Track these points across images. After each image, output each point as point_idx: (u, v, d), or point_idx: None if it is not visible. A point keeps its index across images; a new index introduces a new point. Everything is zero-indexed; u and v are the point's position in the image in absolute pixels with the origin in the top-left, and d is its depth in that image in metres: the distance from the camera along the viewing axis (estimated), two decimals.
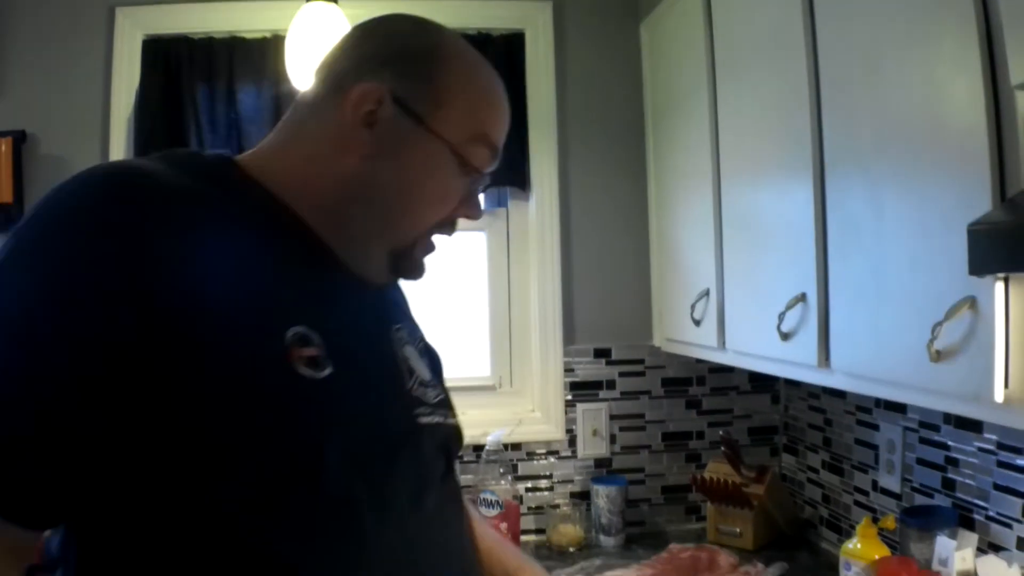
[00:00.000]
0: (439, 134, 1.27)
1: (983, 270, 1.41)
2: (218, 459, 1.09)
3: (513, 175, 3.11)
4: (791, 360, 2.18)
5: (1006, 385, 1.51)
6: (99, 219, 1.08)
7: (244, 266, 1.17)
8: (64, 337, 1.04)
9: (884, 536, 2.41)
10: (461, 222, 1.36)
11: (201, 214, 1.16)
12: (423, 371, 1.41)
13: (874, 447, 2.76)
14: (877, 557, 2.27)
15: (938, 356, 1.60)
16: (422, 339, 1.50)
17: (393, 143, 1.26)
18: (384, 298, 1.43)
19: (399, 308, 1.50)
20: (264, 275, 1.20)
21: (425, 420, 1.34)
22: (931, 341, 1.60)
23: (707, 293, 2.61)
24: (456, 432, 1.44)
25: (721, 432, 3.12)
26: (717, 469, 3.07)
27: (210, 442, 1.09)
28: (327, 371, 1.18)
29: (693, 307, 2.67)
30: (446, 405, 1.44)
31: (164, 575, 1.11)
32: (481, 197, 1.39)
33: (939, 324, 1.57)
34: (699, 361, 3.15)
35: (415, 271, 1.34)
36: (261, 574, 1.13)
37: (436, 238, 1.35)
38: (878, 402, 2.72)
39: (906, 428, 2.59)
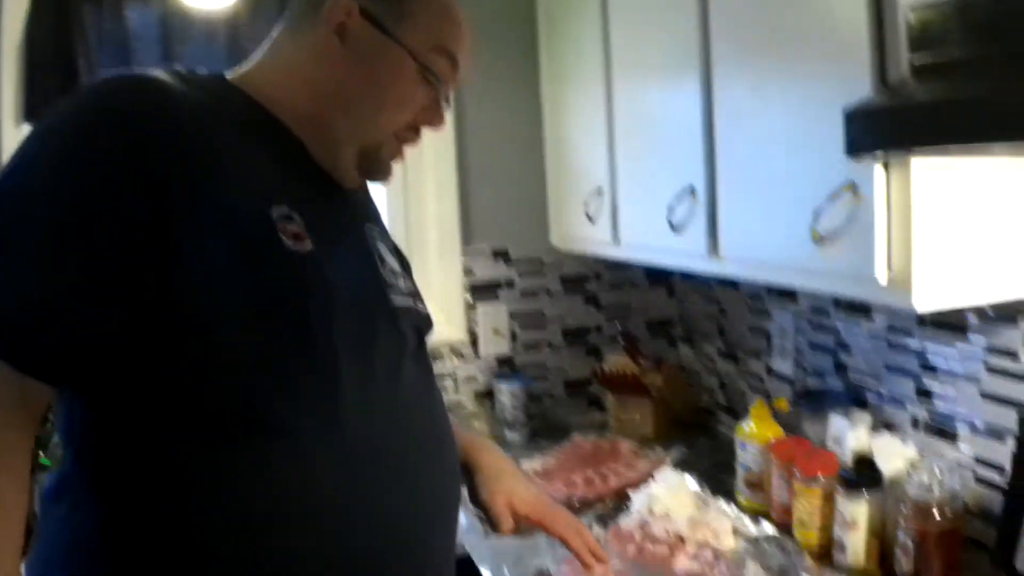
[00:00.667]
0: (403, 43, 1.40)
1: (859, 151, 1.46)
2: (217, 320, 1.21)
3: None
4: (682, 251, 2.24)
5: (889, 267, 1.58)
6: (116, 114, 1.21)
7: (237, 157, 1.30)
8: (93, 215, 1.16)
9: (780, 419, 2.50)
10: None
11: (200, 114, 1.28)
12: (394, 263, 1.55)
13: (767, 334, 2.85)
14: (771, 437, 2.35)
15: (821, 240, 1.66)
16: (392, 243, 1.64)
17: (362, 52, 1.40)
18: (358, 201, 1.57)
19: (371, 212, 1.64)
20: (253, 165, 1.32)
21: (398, 303, 1.48)
22: (814, 225, 1.66)
23: (600, 191, 2.65)
24: (427, 318, 1.59)
25: (618, 324, 3.19)
26: (616, 362, 3.14)
27: (210, 304, 1.21)
28: (309, 247, 1.30)
29: (587, 205, 2.71)
30: (417, 296, 1.58)
31: (161, 434, 1.23)
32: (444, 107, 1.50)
33: (821, 208, 1.63)
34: (596, 258, 3.22)
35: (382, 172, 1.48)
36: (253, 430, 1.25)
37: (403, 145, 1.48)
38: (769, 291, 2.80)
39: (797, 314, 2.68)
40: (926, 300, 1.55)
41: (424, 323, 1.58)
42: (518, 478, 1.80)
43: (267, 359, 1.24)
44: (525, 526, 1.76)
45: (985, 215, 1.59)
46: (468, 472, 1.75)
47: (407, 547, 1.39)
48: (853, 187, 1.59)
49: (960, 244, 1.57)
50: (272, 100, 1.40)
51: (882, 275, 1.57)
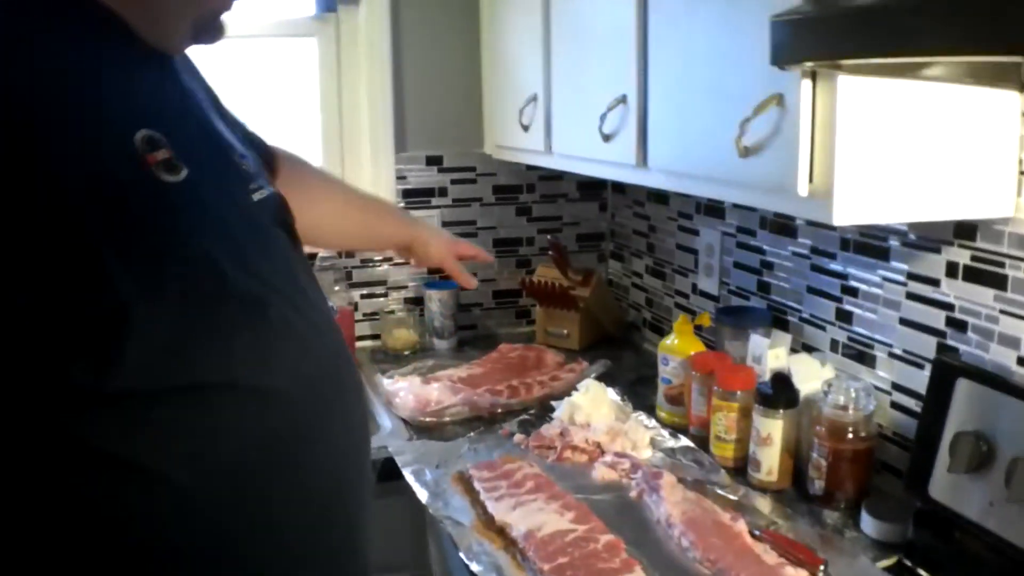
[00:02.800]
0: None
1: (784, 60, 1.46)
2: (119, 280, 1.05)
3: None
4: (612, 161, 2.24)
5: (810, 179, 1.59)
6: None
7: (76, 76, 1.12)
8: None
9: (702, 336, 2.53)
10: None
11: (26, 30, 1.10)
12: (234, 141, 1.39)
13: (694, 252, 2.87)
14: (692, 352, 2.38)
15: (746, 152, 1.67)
16: (209, 90, 1.47)
17: None
18: (175, 70, 1.34)
19: (187, 67, 1.42)
20: (96, 82, 1.14)
21: (258, 196, 1.34)
22: (739, 137, 1.66)
23: (535, 98, 2.63)
24: (283, 200, 1.43)
25: (549, 237, 3.19)
26: (545, 273, 3.15)
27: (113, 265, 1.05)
28: (183, 173, 1.15)
29: (521, 113, 2.70)
30: (263, 172, 1.43)
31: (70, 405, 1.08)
32: None
33: (747, 120, 1.64)
34: (529, 168, 3.20)
35: (217, 33, 1.30)
36: (203, 391, 1.14)
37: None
38: (699, 207, 2.82)
39: (724, 233, 2.69)
40: (845, 214, 1.55)
41: (284, 208, 1.41)
42: (422, 223, 2.27)
43: (185, 317, 1.11)
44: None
45: (910, 134, 1.59)
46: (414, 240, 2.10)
47: (345, 480, 1.34)
48: (780, 99, 1.59)
49: (883, 161, 1.57)
50: None
51: (803, 188, 1.58)
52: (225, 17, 1.30)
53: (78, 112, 1.09)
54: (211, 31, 1.30)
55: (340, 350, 1.38)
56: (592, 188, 3.38)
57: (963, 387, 1.70)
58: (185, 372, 1.12)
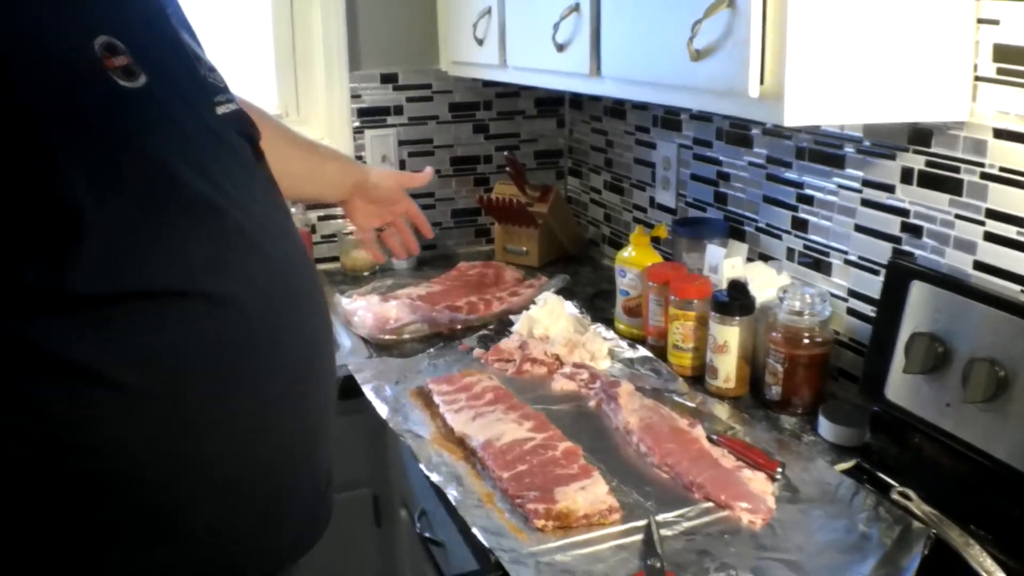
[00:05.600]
0: None
1: None
2: (72, 186, 1.07)
3: None
4: (566, 71, 2.21)
5: (761, 81, 1.58)
6: None
7: None
8: None
9: (659, 248, 2.53)
10: None
11: None
12: (203, 54, 1.39)
13: (651, 165, 2.86)
14: (649, 264, 2.38)
15: (698, 55, 1.65)
16: (183, 17, 1.45)
17: None
18: None
19: None
20: None
21: (223, 109, 1.35)
22: (691, 40, 1.65)
23: (488, 11, 2.60)
24: (248, 119, 1.44)
25: (506, 153, 3.18)
26: (503, 190, 3.14)
27: (61, 165, 1.07)
28: (142, 79, 1.17)
29: (475, 27, 2.67)
30: (228, 88, 1.43)
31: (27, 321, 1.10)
32: None
33: (698, 22, 1.62)
34: (486, 85, 3.19)
35: None
36: (156, 297, 1.15)
37: None
38: (655, 120, 2.81)
39: (681, 145, 2.69)
40: (796, 115, 1.55)
41: (250, 125, 1.44)
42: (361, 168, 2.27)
43: (140, 221, 1.13)
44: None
45: (864, 36, 1.58)
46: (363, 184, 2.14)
47: (305, 386, 1.36)
48: (731, 0, 1.58)
49: (835, 62, 1.57)
50: None
51: (754, 89, 1.57)
52: None
53: (35, 16, 1.10)
54: None
55: (297, 260, 1.38)
56: (549, 104, 3.36)
57: (917, 289, 1.71)
58: (137, 275, 1.13)
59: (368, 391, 2.14)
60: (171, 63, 1.28)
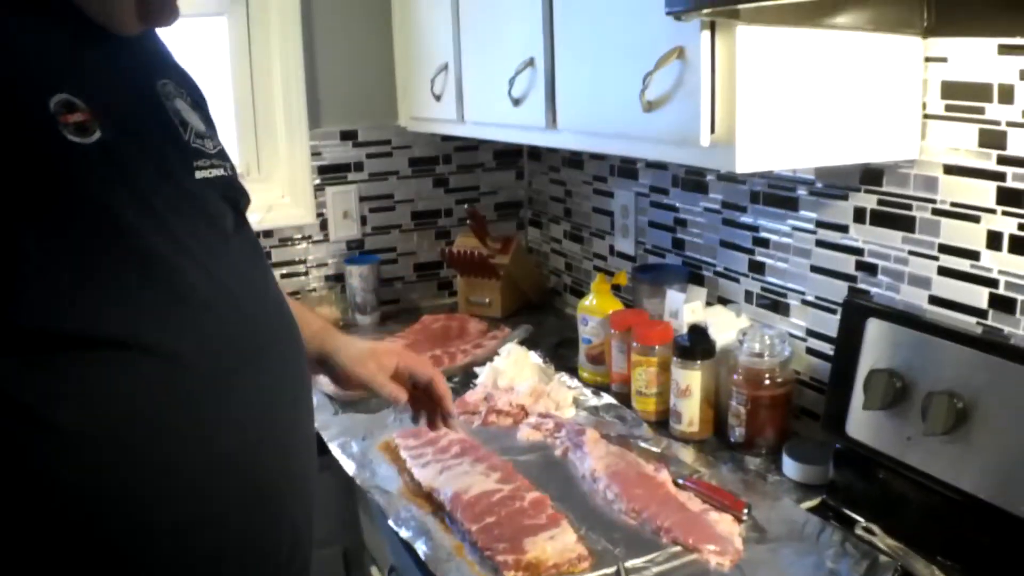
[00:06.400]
0: None
1: (679, 9, 1.48)
2: (22, 234, 1.13)
3: None
4: (523, 124, 2.25)
5: (712, 130, 1.61)
6: None
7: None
8: None
9: (620, 295, 2.56)
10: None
11: None
12: (197, 123, 1.43)
13: (610, 214, 2.89)
14: (611, 311, 2.40)
15: (650, 106, 1.69)
16: (194, 90, 1.51)
17: None
18: (146, 52, 1.42)
19: (164, 61, 1.49)
20: (19, 47, 1.19)
21: (204, 174, 1.38)
22: (643, 91, 1.68)
23: (445, 67, 2.63)
24: (238, 186, 1.48)
25: (467, 206, 3.20)
26: (464, 243, 3.16)
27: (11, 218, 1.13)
28: (96, 135, 1.20)
29: (433, 83, 2.70)
30: (224, 156, 1.47)
31: None
32: None
33: (650, 74, 1.65)
34: (445, 140, 3.21)
35: (165, 14, 1.33)
36: (81, 346, 1.17)
37: None
38: (612, 169, 2.84)
39: (638, 193, 2.72)
40: (747, 162, 1.58)
41: (238, 191, 1.48)
42: (368, 342, 1.85)
43: (83, 267, 1.17)
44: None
45: (813, 81, 1.63)
46: (326, 360, 1.77)
47: (259, 447, 1.34)
48: (681, 52, 1.61)
49: (784, 108, 1.60)
50: None
51: (706, 138, 1.60)
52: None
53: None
54: (158, 11, 1.32)
55: (269, 323, 1.40)
56: (508, 156, 3.40)
57: (874, 326, 1.74)
58: (80, 320, 1.17)
59: (334, 448, 2.14)
60: (145, 125, 1.32)
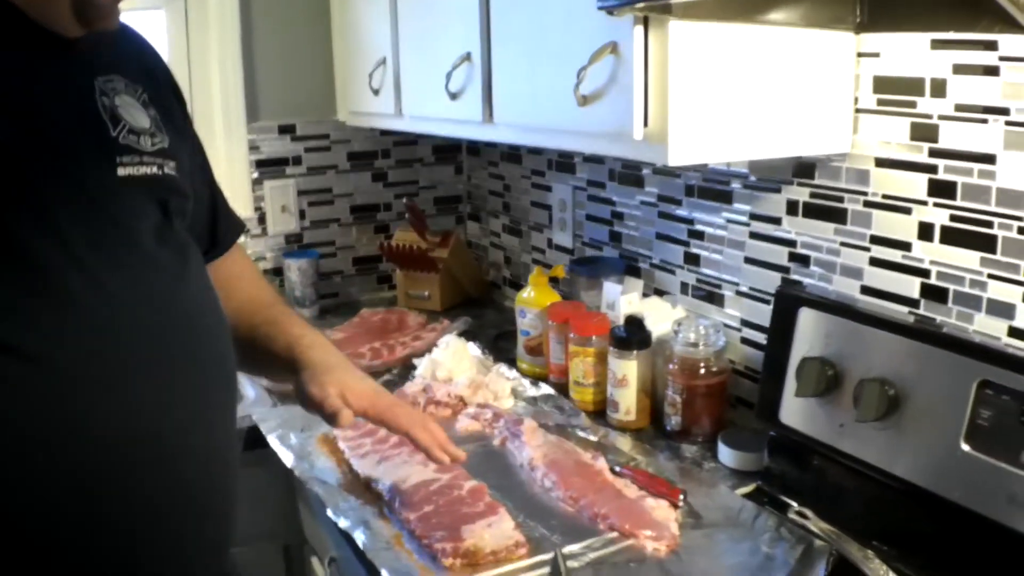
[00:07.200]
0: None
1: (610, 3, 1.51)
2: None
3: None
4: (460, 119, 2.26)
5: (645, 123, 1.64)
6: None
7: None
8: None
9: (558, 288, 2.58)
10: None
11: None
12: (137, 119, 1.39)
13: (548, 208, 2.91)
14: (549, 303, 2.42)
15: (584, 100, 1.71)
16: (155, 88, 1.48)
17: None
18: (93, 50, 1.38)
19: (117, 58, 1.44)
20: None
21: (129, 171, 1.34)
22: (577, 86, 1.70)
23: (384, 62, 2.64)
24: (173, 185, 1.43)
25: (405, 200, 3.21)
26: (403, 237, 3.17)
27: None
28: None
29: (371, 77, 2.70)
30: (167, 155, 1.42)
31: None
32: None
33: (584, 69, 1.67)
34: (384, 134, 3.22)
35: (102, 17, 1.31)
36: None
37: None
38: (550, 164, 2.86)
39: (576, 187, 2.75)
40: (680, 155, 1.61)
41: (171, 190, 1.43)
42: (350, 371, 1.67)
43: None
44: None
45: (746, 76, 1.66)
46: (295, 370, 1.64)
47: (151, 456, 1.29)
48: (614, 47, 1.63)
49: (717, 102, 1.63)
50: None
51: (639, 132, 1.63)
52: (108, 2, 1.31)
53: None
54: (95, 15, 1.30)
55: (160, 331, 1.34)
56: (447, 151, 3.41)
57: (806, 316, 1.77)
58: None
59: (273, 440, 2.13)
60: (57, 121, 1.29)
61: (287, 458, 2.05)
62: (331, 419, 1.59)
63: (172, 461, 1.34)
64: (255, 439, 2.16)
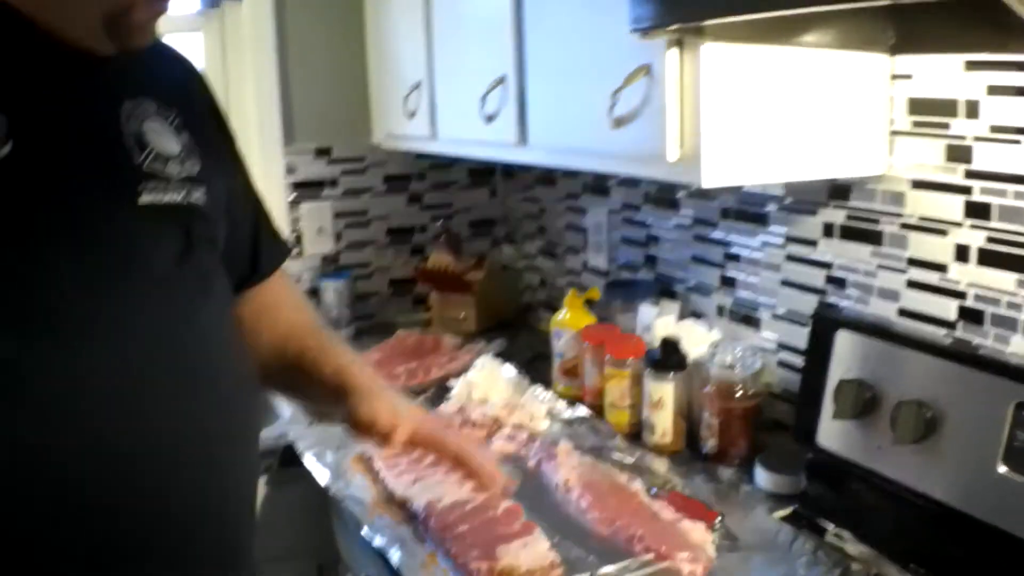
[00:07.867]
0: None
1: (643, 25, 1.52)
2: None
3: None
4: (494, 141, 2.28)
5: (680, 145, 1.64)
6: None
7: None
8: None
9: (593, 311, 2.58)
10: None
11: None
12: (166, 145, 1.35)
13: (583, 231, 2.92)
14: (584, 325, 2.42)
15: (618, 123, 1.71)
16: (187, 111, 1.43)
17: None
18: (123, 72, 1.33)
19: (148, 80, 1.39)
20: None
21: (152, 198, 1.30)
22: (611, 108, 1.71)
23: (419, 85, 2.66)
24: (199, 213, 1.37)
25: (440, 223, 3.22)
26: (438, 259, 3.18)
27: None
28: (6, 150, 1.14)
29: (406, 100, 2.72)
30: (196, 181, 1.37)
31: None
32: None
33: (618, 91, 1.68)
34: (419, 157, 3.23)
35: (136, 37, 1.27)
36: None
37: (154, 5, 1.27)
38: (585, 187, 2.87)
39: (610, 211, 2.75)
40: (713, 177, 1.61)
41: (196, 218, 1.37)
42: (397, 396, 1.62)
43: None
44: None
45: (779, 97, 1.66)
46: (343, 395, 1.58)
47: (136, 493, 1.24)
48: (647, 69, 1.64)
49: (750, 124, 1.64)
50: None
51: (673, 153, 1.63)
52: (144, 20, 1.27)
53: None
54: (127, 34, 1.27)
55: (155, 364, 1.29)
56: (482, 175, 3.42)
57: (843, 338, 1.77)
58: None
59: (309, 458, 2.15)
60: (75, 132, 1.26)
61: (322, 476, 2.06)
62: (383, 441, 1.56)
63: (189, 471, 1.31)
64: (291, 457, 2.18)
